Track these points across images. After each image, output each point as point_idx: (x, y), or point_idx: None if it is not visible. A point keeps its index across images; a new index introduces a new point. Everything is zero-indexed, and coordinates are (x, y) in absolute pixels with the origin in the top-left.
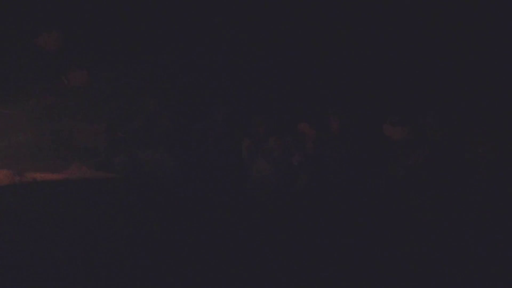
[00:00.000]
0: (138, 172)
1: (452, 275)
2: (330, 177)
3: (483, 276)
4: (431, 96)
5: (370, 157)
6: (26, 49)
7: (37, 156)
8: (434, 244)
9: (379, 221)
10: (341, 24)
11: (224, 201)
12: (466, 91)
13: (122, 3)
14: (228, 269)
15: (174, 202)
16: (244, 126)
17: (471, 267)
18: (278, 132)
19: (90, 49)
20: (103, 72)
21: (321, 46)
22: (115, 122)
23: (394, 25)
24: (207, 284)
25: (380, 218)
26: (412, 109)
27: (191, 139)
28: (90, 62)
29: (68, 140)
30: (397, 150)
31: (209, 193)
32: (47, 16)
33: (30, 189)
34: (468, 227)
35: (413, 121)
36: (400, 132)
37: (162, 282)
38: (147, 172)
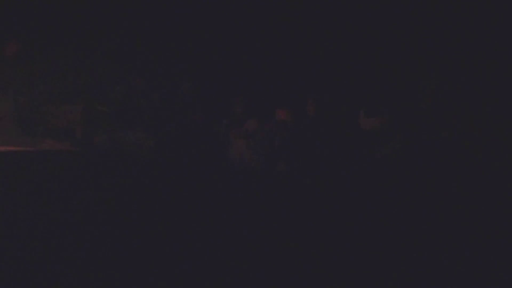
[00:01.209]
0: (117, 150)
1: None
2: (307, 162)
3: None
4: (404, 86)
5: (345, 145)
6: None
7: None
8: (402, 230)
9: (355, 206)
10: (322, 12)
11: (203, 182)
12: (437, 79)
13: None
14: (206, 252)
15: (153, 182)
16: (223, 107)
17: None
18: (257, 115)
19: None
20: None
21: (303, 34)
22: (93, 101)
23: (373, 13)
24: (186, 263)
25: (355, 204)
26: (385, 99)
27: (169, 118)
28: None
29: (43, 118)
30: (371, 139)
31: (188, 174)
32: None
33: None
34: (438, 217)
35: (386, 111)
36: (373, 123)
37: (139, 259)
38: (126, 151)
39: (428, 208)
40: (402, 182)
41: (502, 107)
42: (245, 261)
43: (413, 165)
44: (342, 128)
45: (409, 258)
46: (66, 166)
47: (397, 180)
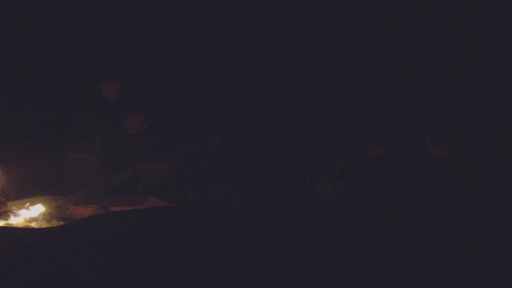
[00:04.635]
0: (208, 204)
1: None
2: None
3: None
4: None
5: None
6: (91, 99)
7: (117, 193)
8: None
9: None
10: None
11: (291, 230)
12: None
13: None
14: None
15: (243, 231)
16: (308, 155)
17: None
18: (344, 159)
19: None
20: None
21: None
22: (185, 161)
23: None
24: None
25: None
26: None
27: (256, 171)
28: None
29: (142, 179)
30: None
31: (276, 222)
32: (108, 67)
33: (111, 219)
34: None
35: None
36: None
37: None
38: (217, 204)
39: None
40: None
41: None
42: None
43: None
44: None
45: None
46: (173, 221)
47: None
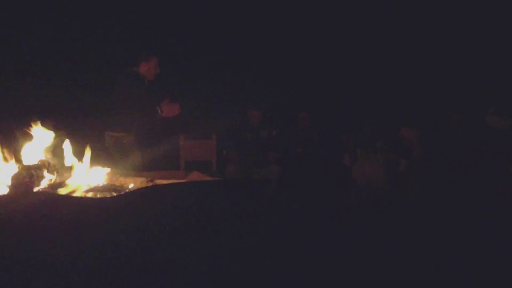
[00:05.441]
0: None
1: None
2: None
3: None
4: None
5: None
6: (130, 78)
7: (164, 168)
8: None
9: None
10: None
11: (329, 207)
12: None
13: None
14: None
15: (279, 207)
16: (348, 132)
17: None
18: (384, 137)
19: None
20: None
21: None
22: (223, 138)
23: None
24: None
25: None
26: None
27: (293, 147)
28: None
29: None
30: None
31: (314, 198)
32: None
33: (158, 191)
34: None
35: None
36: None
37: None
38: (253, 178)
39: None
40: None
41: None
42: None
43: None
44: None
45: None
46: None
47: None
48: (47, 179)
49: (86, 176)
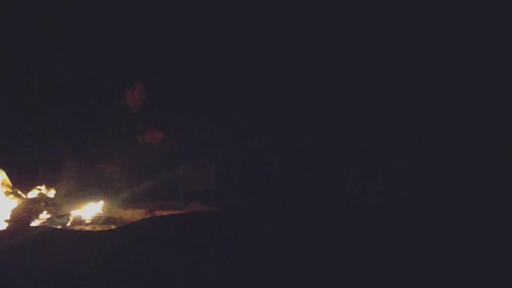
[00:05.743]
0: (247, 206)
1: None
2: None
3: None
4: None
5: None
6: (114, 110)
7: (163, 198)
8: None
9: None
10: None
11: (332, 232)
12: None
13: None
14: None
15: (281, 232)
16: (350, 156)
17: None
18: (385, 161)
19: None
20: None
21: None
22: (222, 166)
23: None
24: None
25: None
26: None
27: (295, 174)
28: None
29: (185, 184)
30: None
31: (316, 225)
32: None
33: (158, 222)
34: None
35: None
36: None
37: None
38: (256, 206)
39: None
40: None
41: None
42: None
43: None
44: None
45: None
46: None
47: None
48: (45, 213)
49: (84, 209)
